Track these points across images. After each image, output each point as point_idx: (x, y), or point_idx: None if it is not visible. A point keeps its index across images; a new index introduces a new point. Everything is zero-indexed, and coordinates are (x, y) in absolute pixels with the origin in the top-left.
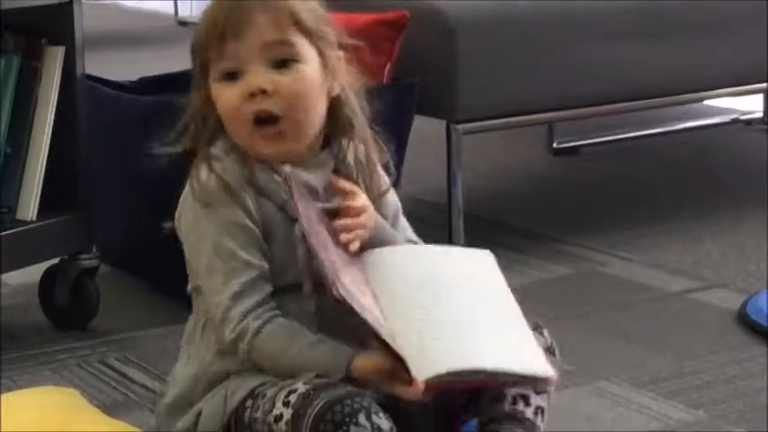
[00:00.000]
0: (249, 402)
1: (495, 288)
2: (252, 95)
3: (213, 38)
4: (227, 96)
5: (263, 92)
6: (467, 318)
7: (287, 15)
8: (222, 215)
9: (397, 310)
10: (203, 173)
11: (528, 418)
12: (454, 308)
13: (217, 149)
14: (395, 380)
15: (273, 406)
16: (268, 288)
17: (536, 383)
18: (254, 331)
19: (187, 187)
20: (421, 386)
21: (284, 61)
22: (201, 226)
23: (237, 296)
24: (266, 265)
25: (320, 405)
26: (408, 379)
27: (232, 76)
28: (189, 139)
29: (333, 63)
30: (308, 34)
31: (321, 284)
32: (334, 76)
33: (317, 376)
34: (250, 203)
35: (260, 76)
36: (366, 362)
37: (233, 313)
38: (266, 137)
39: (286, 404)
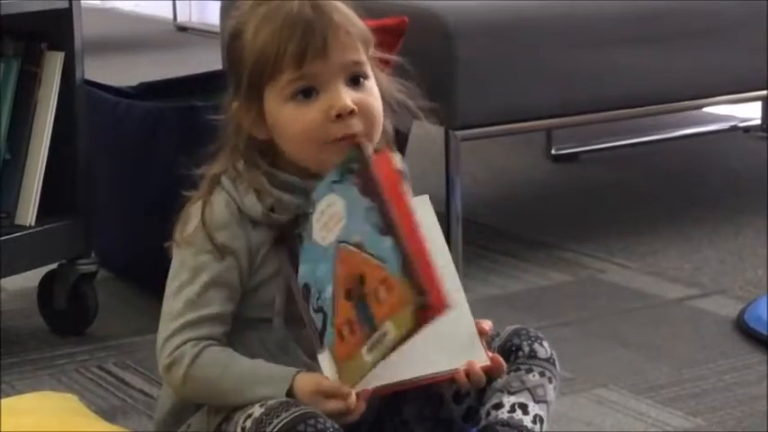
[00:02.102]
0: (224, 426)
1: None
2: (339, 116)
3: (291, 56)
4: (306, 116)
5: (351, 112)
6: None
7: (359, 35)
8: (210, 249)
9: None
10: (210, 207)
11: (526, 426)
12: None
13: (226, 177)
14: (331, 398)
15: (235, 431)
16: (222, 329)
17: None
18: (192, 357)
19: (200, 206)
20: (353, 399)
21: (356, 78)
22: (191, 252)
23: (189, 325)
24: (230, 309)
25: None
26: (344, 393)
27: (306, 93)
28: (225, 160)
29: (379, 78)
30: (367, 51)
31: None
32: (380, 87)
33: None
34: (241, 250)
35: (345, 95)
36: (308, 378)
37: (174, 340)
38: (342, 147)
39: (243, 430)
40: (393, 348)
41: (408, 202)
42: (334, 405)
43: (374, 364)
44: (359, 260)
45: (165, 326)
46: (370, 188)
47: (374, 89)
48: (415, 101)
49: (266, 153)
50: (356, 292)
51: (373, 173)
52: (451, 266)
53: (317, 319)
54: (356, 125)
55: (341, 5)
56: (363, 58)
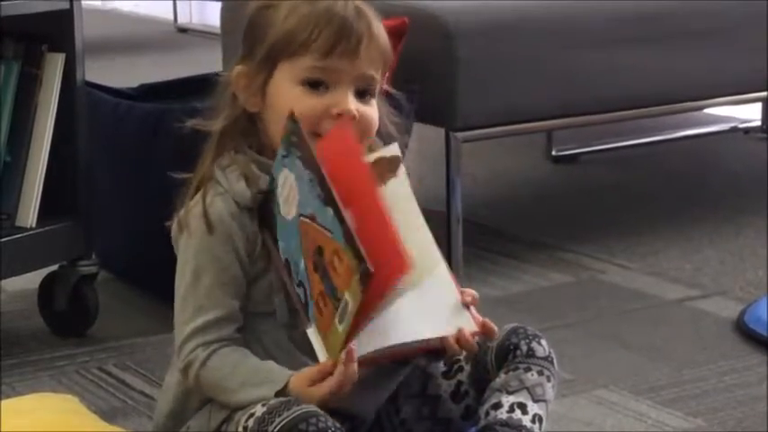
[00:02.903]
0: (224, 426)
1: (409, 218)
2: (339, 116)
3: (322, 43)
4: (308, 103)
5: (351, 118)
6: None
7: (384, 54)
8: (209, 246)
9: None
10: (210, 197)
11: (525, 426)
12: None
13: (220, 168)
14: (324, 381)
15: (236, 430)
16: (231, 328)
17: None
18: (202, 360)
19: (199, 200)
20: (340, 368)
21: (365, 92)
22: (192, 249)
23: (198, 331)
24: (236, 305)
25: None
26: (329, 368)
27: (315, 85)
28: (224, 119)
29: (380, 105)
30: (383, 74)
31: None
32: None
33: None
34: (240, 242)
35: (352, 101)
36: (300, 376)
37: (188, 345)
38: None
39: (245, 429)
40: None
41: (364, 172)
42: (327, 385)
43: (345, 334)
44: (315, 232)
45: (179, 329)
46: (308, 160)
47: (376, 108)
48: (402, 137)
49: (251, 134)
50: (319, 264)
51: (307, 144)
52: (428, 236)
53: (300, 293)
54: None
55: (378, 21)
56: (379, 77)
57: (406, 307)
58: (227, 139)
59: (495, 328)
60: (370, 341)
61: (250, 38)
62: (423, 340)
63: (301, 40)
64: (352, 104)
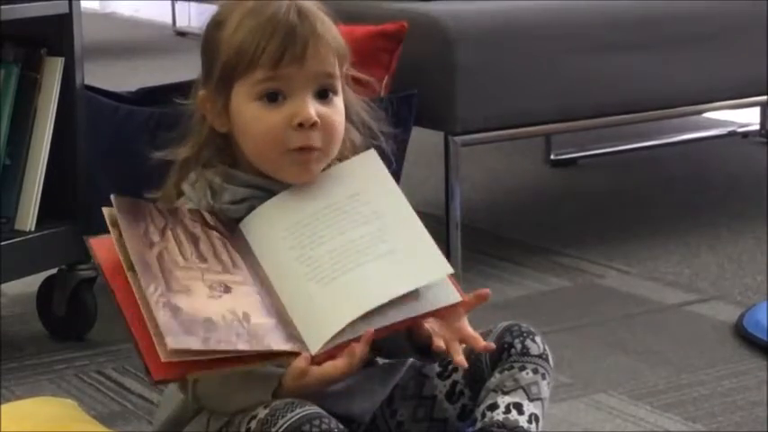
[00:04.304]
0: (225, 429)
1: (381, 194)
2: (301, 125)
3: (268, 55)
4: (269, 120)
5: (313, 124)
6: (350, 252)
7: (336, 48)
8: None
9: (278, 273)
10: None
11: (521, 426)
12: (334, 245)
13: (189, 183)
14: (316, 371)
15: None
16: None
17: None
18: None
19: None
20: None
21: (325, 92)
22: None
23: None
24: None
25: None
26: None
27: (272, 97)
28: (191, 148)
29: (348, 95)
30: (341, 67)
31: None
32: (347, 104)
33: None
34: None
35: (310, 106)
36: (291, 373)
37: None
38: (301, 163)
39: (247, 431)
40: None
41: (132, 287)
42: (333, 367)
43: None
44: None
45: None
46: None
47: (340, 106)
48: (378, 123)
49: (226, 150)
50: None
51: (97, 259)
52: (408, 212)
53: None
54: (315, 138)
55: (325, 18)
56: (336, 72)
57: (380, 272)
58: (192, 162)
59: (487, 292)
60: (360, 326)
61: (205, 58)
62: (409, 318)
63: (248, 59)
64: (312, 110)
